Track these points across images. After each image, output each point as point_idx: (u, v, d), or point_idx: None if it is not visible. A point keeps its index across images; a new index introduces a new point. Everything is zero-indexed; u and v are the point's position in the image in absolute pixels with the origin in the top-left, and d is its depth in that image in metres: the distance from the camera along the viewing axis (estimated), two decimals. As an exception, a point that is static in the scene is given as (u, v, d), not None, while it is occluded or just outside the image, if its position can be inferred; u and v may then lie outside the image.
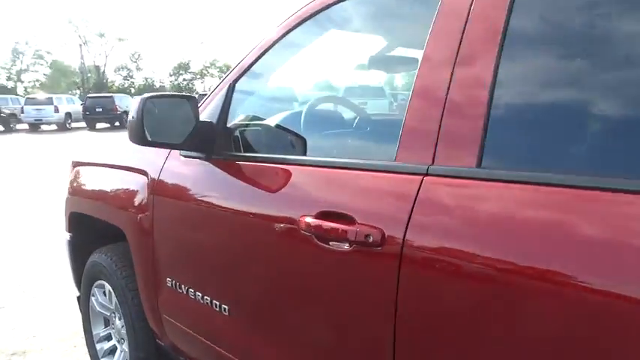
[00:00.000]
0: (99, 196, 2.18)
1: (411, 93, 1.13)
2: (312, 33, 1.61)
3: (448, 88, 1.04)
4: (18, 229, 5.42)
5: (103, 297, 2.31)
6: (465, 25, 1.05)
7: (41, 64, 52.39)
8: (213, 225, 1.56)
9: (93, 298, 2.38)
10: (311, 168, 1.32)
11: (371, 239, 1.05)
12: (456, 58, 1.04)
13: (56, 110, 22.28)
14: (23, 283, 3.78)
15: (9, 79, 50.87)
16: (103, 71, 53.23)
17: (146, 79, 54.55)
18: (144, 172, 1.84)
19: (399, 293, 1.01)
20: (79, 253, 2.47)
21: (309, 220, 1.19)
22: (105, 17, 68.73)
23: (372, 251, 1.06)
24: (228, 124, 1.62)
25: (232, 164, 1.52)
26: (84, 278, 2.40)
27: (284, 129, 1.63)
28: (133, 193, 1.90)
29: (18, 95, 28.14)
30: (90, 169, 2.32)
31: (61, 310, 3.25)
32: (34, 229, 5.37)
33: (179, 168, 1.69)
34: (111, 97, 25.11)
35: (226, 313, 1.52)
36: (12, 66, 51.10)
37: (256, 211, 1.38)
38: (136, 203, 1.87)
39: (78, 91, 47.29)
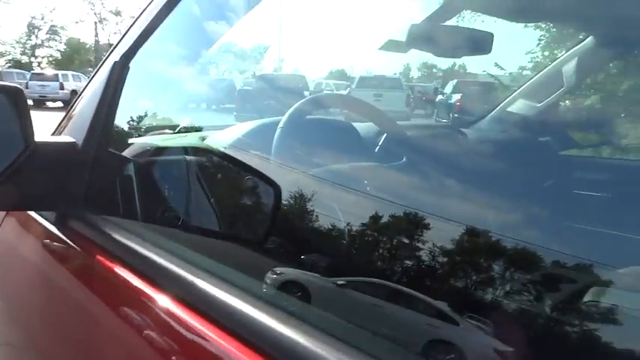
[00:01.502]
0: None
1: None
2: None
3: None
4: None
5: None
6: None
7: (55, 40, 52.25)
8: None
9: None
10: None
11: None
12: None
13: (61, 87, 22.27)
14: None
15: (23, 53, 50.80)
16: (118, 50, 53.01)
17: (160, 59, 54.19)
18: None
19: None
20: None
21: None
22: (122, -5, 68.77)
23: None
24: (111, 147, 0.76)
25: (98, 253, 0.65)
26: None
27: (235, 167, 0.76)
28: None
29: (24, 70, 27.78)
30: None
31: None
32: None
33: (11, 233, 0.83)
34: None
35: None
36: (27, 40, 50.97)
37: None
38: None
39: (91, 69, 47.10)
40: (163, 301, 0.56)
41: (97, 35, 50.98)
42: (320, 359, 0.45)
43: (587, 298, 0.58)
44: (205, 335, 0.47)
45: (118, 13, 52.72)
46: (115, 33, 52.98)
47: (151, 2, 0.75)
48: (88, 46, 53.69)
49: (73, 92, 23.36)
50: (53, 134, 0.87)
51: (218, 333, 0.48)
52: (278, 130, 0.86)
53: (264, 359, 0.47)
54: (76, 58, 52.26)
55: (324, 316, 0.59)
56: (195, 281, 0.55)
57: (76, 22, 61.51)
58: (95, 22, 51.29)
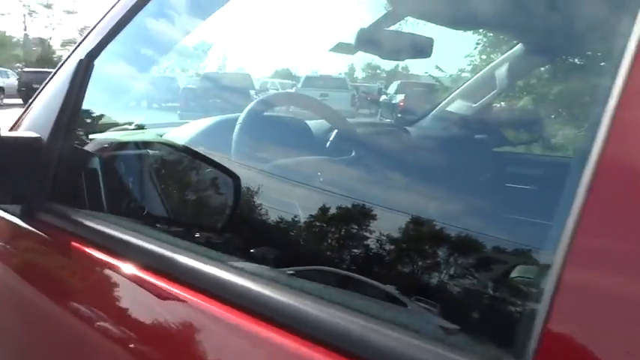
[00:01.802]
0: None
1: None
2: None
3: None
4: None
5: None
6: None
7: (-21, 33, 48.80)
8: None
9: None
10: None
11: None
12: None
13: (-14, 84, 20.51)
14: None
15: (-58, 47, 47.10)
16: (49, 45, 50.04)
17: (95, 55, 51.56)
18: None
19: None
20: None
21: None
22: (53, -13, 64.91)
23: None
24: (76, 142, 0.78)
25: (70, 239, 0.68)
26: None
27: (195, 159, 0.80)
28: None
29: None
30: None
31: None
32: None
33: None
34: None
35: None
36: (-54, 33, 47.37)
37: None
38: None
39: (19, 65, 44.30)
40: (136, 272, 0.60)
41: (25, 29, 48.11)
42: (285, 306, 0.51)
43: (514, 274, 0.66)
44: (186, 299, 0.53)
45: (49, 6, 49.84)
46: (46, 27, 50.05)
47: (117, 2, 0.77)
48: (15, 39, 50.46)
49: (0, 89, 21.80)
50: (11, 130, 0.87)
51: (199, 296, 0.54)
52: (237, 126, 0.91)
53: (220, 304, 0.53)
54: (1, 52, 49.09)
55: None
56: (165, 253, 0.60)
57: (2, 15, 57.83)
58: (24, 15, 48.37)
